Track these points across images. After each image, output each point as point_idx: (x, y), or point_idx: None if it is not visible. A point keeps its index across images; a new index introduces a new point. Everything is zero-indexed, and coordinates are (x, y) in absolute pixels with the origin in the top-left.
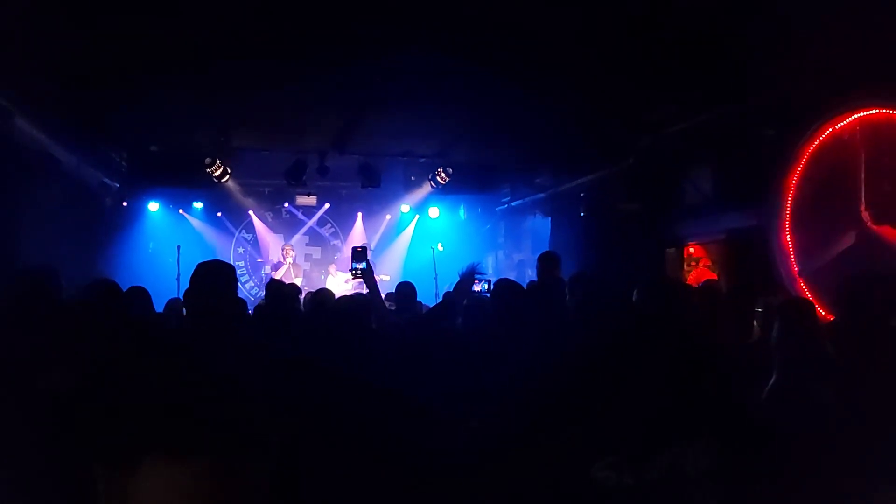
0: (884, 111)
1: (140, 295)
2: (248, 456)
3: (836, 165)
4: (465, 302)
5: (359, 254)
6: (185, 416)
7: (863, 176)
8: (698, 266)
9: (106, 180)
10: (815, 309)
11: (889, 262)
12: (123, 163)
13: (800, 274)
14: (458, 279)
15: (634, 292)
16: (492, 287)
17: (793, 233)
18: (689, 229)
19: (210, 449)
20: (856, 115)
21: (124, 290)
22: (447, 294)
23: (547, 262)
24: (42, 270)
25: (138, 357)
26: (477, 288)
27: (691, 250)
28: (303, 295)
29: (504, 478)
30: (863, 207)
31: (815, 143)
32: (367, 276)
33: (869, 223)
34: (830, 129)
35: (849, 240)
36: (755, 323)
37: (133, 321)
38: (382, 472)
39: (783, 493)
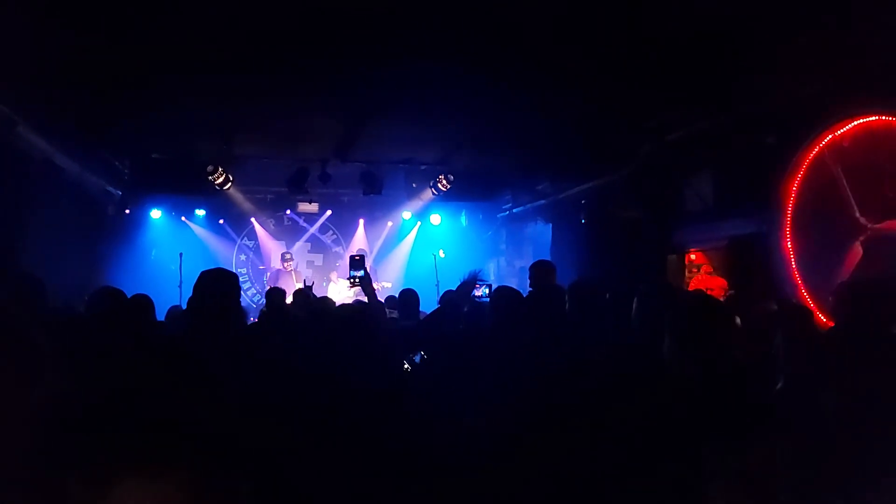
0: (883, 118)
1: (143, 303)
2: (227, 471)
3: (834, 172)
4: (465, 308)
5: (356, 262)
6: (164, 432)
7: (846, 184)
8: (700, 273)
9: (108, 188)
10: (815, 316)
11: None
12: (126, 170)
13: (806, 284)
14: (459, 284)
15: (635, 300)
16: (491, 293)
17: (794, 239)
18: (690, 236)
19: (188, 465)
20: (856, 122)
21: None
22: (447, 293)
23: (541, 271)
24: (24, 279)
25: (130, 370)
26: (478, 293)
27: (692, 257)
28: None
29: (505, 476)
30: (857, 214)
31: (815, 149)
32: (366, 283)
33: (870, 225)
34: (830, 136)
35: (857, 252)
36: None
37: (136, 330)
38: (384, 473)
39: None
